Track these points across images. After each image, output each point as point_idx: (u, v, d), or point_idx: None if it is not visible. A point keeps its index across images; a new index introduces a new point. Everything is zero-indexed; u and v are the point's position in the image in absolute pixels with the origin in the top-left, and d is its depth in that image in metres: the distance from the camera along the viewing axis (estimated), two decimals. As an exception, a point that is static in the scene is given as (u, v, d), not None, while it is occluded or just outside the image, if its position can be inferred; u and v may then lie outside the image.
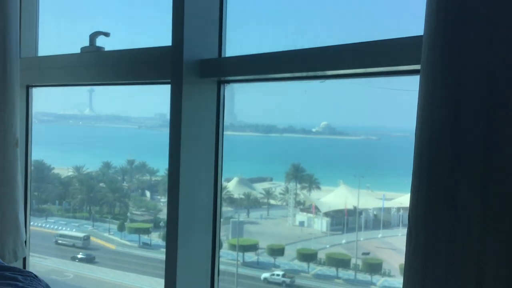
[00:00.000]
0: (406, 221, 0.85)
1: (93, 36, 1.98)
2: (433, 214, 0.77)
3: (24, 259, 2.14)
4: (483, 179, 0.73)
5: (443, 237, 0.75)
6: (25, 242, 1.95)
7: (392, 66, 1.23)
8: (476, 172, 0.73)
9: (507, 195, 0.71)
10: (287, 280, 3.37)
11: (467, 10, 0.76)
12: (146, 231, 4.07)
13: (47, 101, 2.57)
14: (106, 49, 1.99)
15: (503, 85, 0.72)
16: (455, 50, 0.76)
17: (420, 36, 0.86)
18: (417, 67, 0.87)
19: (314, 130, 2.99)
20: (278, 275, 3.33)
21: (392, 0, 1.61)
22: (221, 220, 1.85)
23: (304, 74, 1.51)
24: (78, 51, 2.03)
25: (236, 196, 3.59)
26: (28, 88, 2.28)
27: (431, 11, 0.80)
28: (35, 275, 0.93)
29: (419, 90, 0.83)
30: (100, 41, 1.99)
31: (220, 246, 1.83)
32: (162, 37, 1.75)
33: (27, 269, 1.48)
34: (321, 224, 3.30)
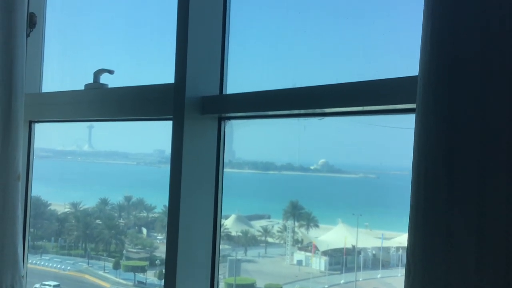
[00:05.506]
0: (405, 262, 0.85)
1: (97, 74, 2.03)
2: (431, 249, 0.78)
3: (20, 295, 2.11)
4: (478, 214, 0.75)
5: (441, 272, 0.76)
6: (23, 277, 1.93)
7: (388, 104, 1.26)
8: (472, 208, 0.75)
9: (503, 231, 0.73)
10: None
11: (460, 50, 0.79)
12: (142, 269, 4.00)
13: (46, 137, 2.59)
14: (110, 86, 2.03)
15: (496, 121, 0.75)
16: (449, 90, 0.79)
17: (416, 76, 0.89)
18: (413, 106, 0.91)
19: (312, 167, 2.98)
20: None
21: (389, 41, 1.67)
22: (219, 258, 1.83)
23: (303, 111, 1.55)
24: (82, 88, 2.07)
25: (233, 233, 3.54)
26: (30, 123, 2.31)
27: (425, 52, 0.83)
28: None
29: (415, 129, 0.86)
30: (104, 79, 2.04)
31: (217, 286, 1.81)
32: (165, 74, 1.80)
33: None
34: (319, 263, 3.24)
